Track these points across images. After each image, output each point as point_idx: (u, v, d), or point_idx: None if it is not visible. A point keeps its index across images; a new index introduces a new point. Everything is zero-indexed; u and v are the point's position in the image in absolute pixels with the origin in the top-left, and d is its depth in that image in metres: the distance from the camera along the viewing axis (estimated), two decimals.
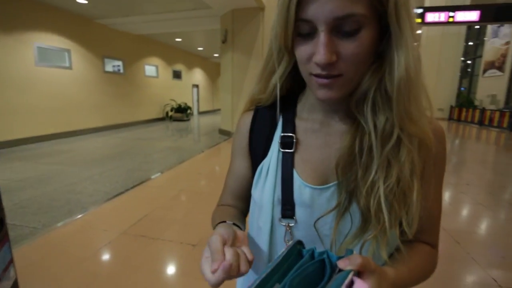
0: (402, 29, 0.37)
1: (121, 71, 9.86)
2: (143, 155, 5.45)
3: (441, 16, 7.15)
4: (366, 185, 0.42)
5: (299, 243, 0.36)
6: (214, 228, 0.47)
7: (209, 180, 4.03)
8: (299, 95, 0.54)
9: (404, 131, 0.41)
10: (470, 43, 12.52)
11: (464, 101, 11.39)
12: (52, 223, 2.52)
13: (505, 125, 8.65)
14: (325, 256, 0.34)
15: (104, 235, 2.28)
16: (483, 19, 7.00)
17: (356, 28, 0.36)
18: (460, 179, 3.90)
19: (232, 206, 0.59)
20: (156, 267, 1.90)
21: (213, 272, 0.34)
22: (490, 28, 10.73)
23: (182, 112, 12.32)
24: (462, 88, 13.02)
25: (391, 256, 0.44)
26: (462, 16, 7.04)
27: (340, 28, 0.36)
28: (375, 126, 0.42)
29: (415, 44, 0.39)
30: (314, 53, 0.38)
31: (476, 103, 11.01)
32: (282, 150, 0.49)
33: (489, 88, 10.65)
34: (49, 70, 7.00)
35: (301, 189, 0.47)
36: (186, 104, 12.80)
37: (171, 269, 1.90)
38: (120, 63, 9.80)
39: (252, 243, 0.54)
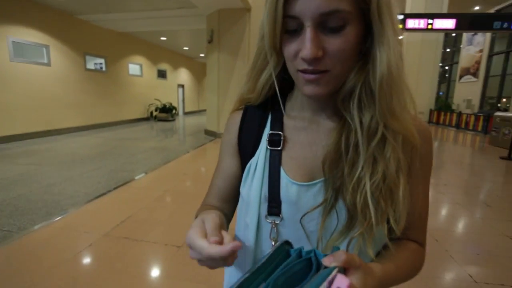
0: (384, 26, 0.39)
1: (104, 69, 9.58)
2: (127, 156, 5.31)
3: (420, 23, 7.43)
4: (352, 182, 0.42)
5: (287, 243, 0.36)
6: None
7: (195, 181, 3.98)
8: (288, 95, 0.54)
9: (388, 128, 0.41)
10: (448, 50, 13.10)
11: (443, 105, 11.88)
12: (28, 226, 2.41)
13: (479, 128, 9.09)
14: (312, 255, 0.34)
15: (85, 238, 2.20)
16: (459, 27, 7.34)
17: (341, 25, 0.37)
18: (438, 180, 4.06)
19: (216, 208, 0.57)
20: (140, 270, 1.85)
21: (214, 242, 0.33)
22: (465, 36, 11.27)
23: (167, 112, 12.12)
24: (441, 93, 13.59)
25: (378, 253, 0.45)
26: (440, 23, 7.35)
27: (326, 24, 0.38)
28: (361, 123, 0.42)
29: (400, 38, 0.40)
30: (301, 49, 0.39)
31: (454, 107, 11.51)
32: (270, 148, 0.50)
33: (465, 93, 11.17)
34: (26, 66, 6.70)
35: (288, 187, 0.47)
36: (171, 104, 12.60)
37: (155, 272, 1.86)
38: (102, 60, 9.52)
39: (238, 241, 0.54)
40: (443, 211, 3.02)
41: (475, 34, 10.43)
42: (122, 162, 4.82)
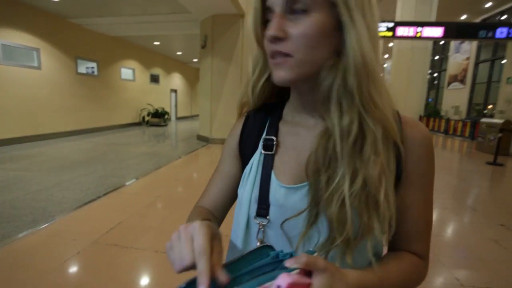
0: (352, 16, 0.39)
1: (96, 73, 9.49)
2: (118, 161, 5.24)
3: (410, 31, 7.61)
4: (328, 192, 0.42)
5: (269, 246, 0.36)
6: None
7: (187, 187, 3.95)
8: (288, 100, 0.56)
9: (369, 115, 0.41)
10: (436, 57, 13.43)
11: (432, 112, 12.13)
12: (13, 233, 2.34)
13: (467, 134, 9.30)
14: (287, 257, 0.33)
15: (73, 245, 2.15)
16: (446, 35, 7.55)
17: (303, 9, 0.40)
18: None
19: (209, 212, 0.58)
20: (130, 277, 1.82)
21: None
22: (453, 44, 11.59)
23: (159, 117, 12.04)
24: (430, 99, 13.88)
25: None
26: (429, 31, 7.54)
27: (292, 9, 0.41)
28: (340, 127, 0.43)
29: (379, 30, 0.42)
30: None
31: (442, 113, 11.76)
32: (263, 152, 0.52)
33: (453, 100, 11.43)
34: (16, 70, 6.58)
35: (277, 190, 0.48)
36: (163, 109, 12.53)
37: (145, 280, 1.83)
38: (94, 64, 9.43)
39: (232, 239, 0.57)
40: (433, 216, 3.06)
41: (462, 42, 10.74)
42: (113, 167, 4.75)
